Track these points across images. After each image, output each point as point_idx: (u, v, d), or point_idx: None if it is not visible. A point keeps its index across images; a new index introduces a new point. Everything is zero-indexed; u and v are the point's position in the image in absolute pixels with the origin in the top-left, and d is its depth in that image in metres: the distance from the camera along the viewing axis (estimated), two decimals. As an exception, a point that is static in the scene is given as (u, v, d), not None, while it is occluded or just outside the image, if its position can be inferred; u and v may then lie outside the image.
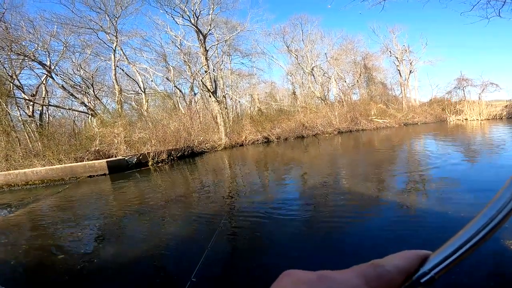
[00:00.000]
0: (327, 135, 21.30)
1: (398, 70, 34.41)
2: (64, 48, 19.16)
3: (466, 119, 25.47)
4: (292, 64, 32.47)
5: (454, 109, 27.42)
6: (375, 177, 7.36)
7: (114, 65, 20.90)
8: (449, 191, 5.33)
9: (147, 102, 24.45)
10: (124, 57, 23.14)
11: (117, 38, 20.63)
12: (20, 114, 16.89)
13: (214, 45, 23.65)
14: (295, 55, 31.58)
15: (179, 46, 25.17)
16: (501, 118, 23.97)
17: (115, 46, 20.77)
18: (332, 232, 4.04)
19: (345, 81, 33.10)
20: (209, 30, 21.96)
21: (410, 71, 34.24)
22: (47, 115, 19.98)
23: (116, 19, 20.47)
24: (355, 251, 3.44)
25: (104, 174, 10.65)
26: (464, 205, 4.46)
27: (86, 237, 4.70)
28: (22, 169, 10.69)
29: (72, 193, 8.48)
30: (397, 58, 33.92)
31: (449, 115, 26.70)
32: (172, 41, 25.52)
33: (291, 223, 4.47)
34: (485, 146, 11.04)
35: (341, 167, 9.60)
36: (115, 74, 21.17)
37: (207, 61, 21.93)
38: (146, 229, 4.80)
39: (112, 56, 20.77)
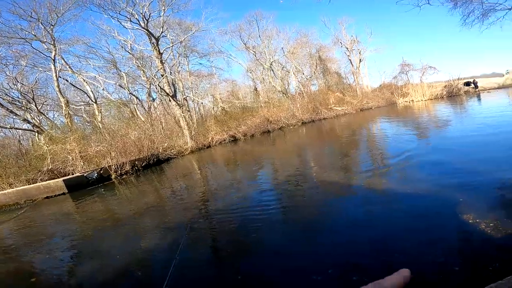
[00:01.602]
0: (291, 127, 21.75)
1: (350, 59, 36.45)
2: (-5, 61, 17.04)
3: (412, 100, 27.88)
4: (251, 60, 32.75)
5: (401, 92, 29.85)
6: (341, 163, 7.71)
7: (56, 75, 18.98)
8: (407, 168, 5.81)
9: (101, 112, 22.78)
10: (67, 67, 21.26)
11: (55, 46, 18.82)
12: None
13: (169, 47, 22.63)
14: (253, 52, 31.78)
15: (130, 51, 23.70)
16: (442, 97, 26.64)
17: (54, 55, 18.89)
18: (309, 224, 4.10)
19: (303, 74, 34.20)
20: (162, 32, 20.84)
21: (360, 60, 36.48)
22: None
23: (51, 26, 18.64)
24: (333, 236, 3.59)
25: (63, 193, 9.81)
26: (421, 180, 4.89)
27: (55, 258, 4.38)
28: None
29: (31, 216, 7.85)
30: (347, 48, 35.90)
31: (397, 98, 28.97)
32: (122, 46, 23.91)
33: (265, 221, 4.44)
34: (434, 123, 12.22)
35: (308, 158, 9.90)
36: (58, 86, 19.24)
37: (162, 65, 20.94)
38: (117, 245, 4.52)
39: (52, 66, 18.86)
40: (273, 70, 32.31)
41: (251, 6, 66.55)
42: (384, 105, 29.14)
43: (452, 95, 26.65)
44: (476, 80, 27.71)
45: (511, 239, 2.68)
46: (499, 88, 26.10)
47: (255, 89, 32.87)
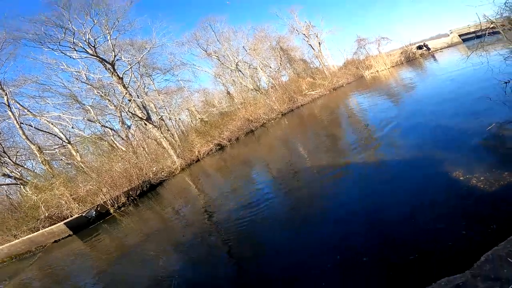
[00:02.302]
0: (273, 121, 22.12)
1: (310, 44, 37.55)
2: None
3: (377, 71, 29.36)
4: (217, 66, 32.88)
5: (365, 65, 31.25)
6: (329, 144, 8.15)
7: (17, 122, 18.03)
8: (392, 136, 6.27)
9: (78, 152, 21.98)
10: (25, 111, 20.01)
11: (4, 90, 17.80)
12: None
13: (127, 69, 21.79)
14: (216, 57, 31.91)
15: (87, 82, 22.43)
16: (402, 63, 28.35)
17: (7, 101, 17.85)
18: (312, 213, 4.36)
19: (271, 67, 34.85)
20: (115, 56, 20.06)
21: (319, 43, 37.65)
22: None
23: (-11, 70, 17.54)
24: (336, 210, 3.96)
25: (69, 235, 9.96)
26: (409, 145, 5.33)
27: None
28: None
29: (47, 260, 8.06)
30: (304, 34, 36.95)
31: (363, 71, 30.35)
32: (76, 78, 22.18)
33: (270, 219, 4.71)
34: (404, 89, 12.94)
35: (296, 146, 10.25)
36: (23, 133, 18.33)
37: (126, 89, 20.28)
38: (133, 274, 4.79)
39: (10, 113, 17.87)
40: (240, 71, 32.66)
41: (200, 13, 66.61)
42: (353, 80, 30.34)
43: (410, 59, 28.46)
44: (426, 42, 29.78)
45: (503, 192, 2.89)
46: (448, 46, 28.08)
47: (228, 92, 33.08)
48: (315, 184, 5.42)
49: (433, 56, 24.88)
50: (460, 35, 27.89)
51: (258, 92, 30.19)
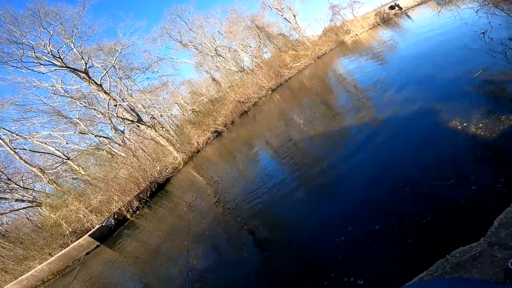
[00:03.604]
0: (264, 98, 22.14)
1: (285, 18, 36.60)
2: None
3: (356, 34, 29.36)
4: (195, 55, 32.13)
5: (343, 30, 31.11)
6: (325, 111, 8.28)
7: (10, 148, 18.03)
8: (385, 95, 6.35)
9: (79, 166, 22.16)
10: (14, 135, 19.56)
11: None
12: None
13: (104, 75, 21.22)
14: (192, 46, 31.13)
15: (66, 94, 21.58)
16: (379, 24, 28.62)
17: None
18: (322, 185, 4.63)
19: (251, 46, 34.15)
20: (86, 63, 19.48)
21: (294, 15, 36.72)
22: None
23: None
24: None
25: (98, 246, 10.65)
26: (404, 101, 5.46)
27: None
28: (26, 273, 11.00)
29: (88, 272, 8.56)
30: (277, 9, 35.91)
31: (343, 36, 30.20)
32: (54, 92, 21.12)
33: (283, 195, 4.92)
34: (387, 48, 12.85)
35: (293, 118, 10.39)
36: (20, 158, 18.38)
37: (108, 95, 20.14)
38: (165, 270, 5.22)
39: (0, 140, 17.79)
40: (221, 55, 32.05)
41: (162, 6, 63.62)
42: (335, 46, 30.08)
43: (385, 20, 28.83)
44: (397, 2, 29.57)
45: (505, 138, 2.88)
46: (419, 4, 27.85)
47: (213, 79, 32.63)
48: (320, 153, 5.56)
49: (407, 14, 24.96)
50: (428, -9, 27.56)
51: (243, 73, 29.85)
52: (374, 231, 2.89)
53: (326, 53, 28.81)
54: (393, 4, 29.62)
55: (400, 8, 28.78)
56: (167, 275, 4.93)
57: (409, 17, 22.44)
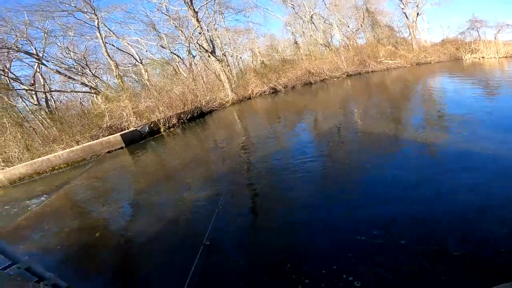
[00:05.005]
0: (335, 79, 20.45)
1: (404, 12, 31.36)
2: (45, 35, 18.58)
3: (482, 57, 23.64)
4: (290, 14, 30.17)
5: (469, 48, 25.45)
6: (390, 116, 7.11)
7: (103, 42, 20.23)
8: (468, 124, 5.07)
9: (147, 71, 24.18)
10: (111, 33, 22.42)
11: (96, 15, 19.60)
12: (26, 105, 17.03)
13: (203, 5, 21.88)
14: (291, 5, 29.11)
15: (166, 13, 23.79)
16: None
17: (97, 24, 19.84)
18: (350, 184, 3.84)
19: (348, 27, 30.71)
20: None
21: (418, 13, 31.16)
22: (52, 101, 20.03)
23: (89, -4, 19.16)
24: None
25: (122, 147, 10.85)
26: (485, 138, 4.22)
27: (119, 212, 4.86)
28: (44, 155, 10.81)
29: (97, 170, 8.62)
30: (401, 1, 30.70)
31: (464, 53, 24.82)
32: (158, 9, 23.92)
33: (303, 177, 4.33)
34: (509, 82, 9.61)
35: (353, 109, 9.29)
36: (106, 51, 20.59)
37: (199, 23, 20.64)
38: (168, 196, 4.93)
39: (98, 34, 19.96)
40: (314, 23, 29.54)
41: None
42: (446, 60, 25.28)
43: None
44: None
45: None
46: None
47: (295, 42, 30.79)
48: (360, 153, 4.85)
49: None
50: None
51: (327, 48, 27.46)
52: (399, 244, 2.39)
53: (430, 63, 24.68)
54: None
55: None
56: (162, 201, 4.72)
57: None
